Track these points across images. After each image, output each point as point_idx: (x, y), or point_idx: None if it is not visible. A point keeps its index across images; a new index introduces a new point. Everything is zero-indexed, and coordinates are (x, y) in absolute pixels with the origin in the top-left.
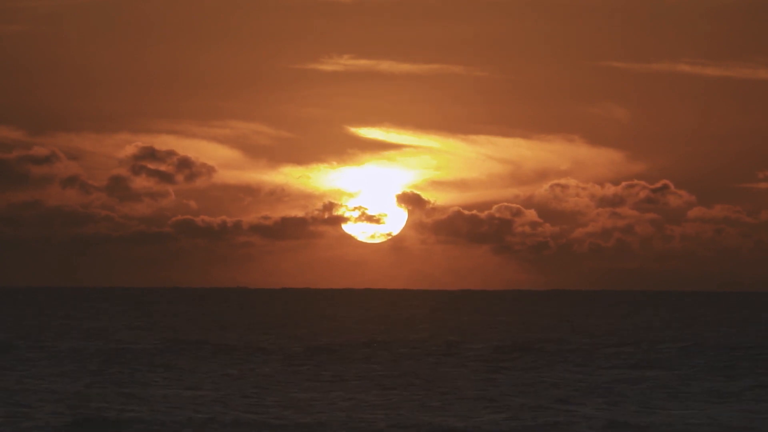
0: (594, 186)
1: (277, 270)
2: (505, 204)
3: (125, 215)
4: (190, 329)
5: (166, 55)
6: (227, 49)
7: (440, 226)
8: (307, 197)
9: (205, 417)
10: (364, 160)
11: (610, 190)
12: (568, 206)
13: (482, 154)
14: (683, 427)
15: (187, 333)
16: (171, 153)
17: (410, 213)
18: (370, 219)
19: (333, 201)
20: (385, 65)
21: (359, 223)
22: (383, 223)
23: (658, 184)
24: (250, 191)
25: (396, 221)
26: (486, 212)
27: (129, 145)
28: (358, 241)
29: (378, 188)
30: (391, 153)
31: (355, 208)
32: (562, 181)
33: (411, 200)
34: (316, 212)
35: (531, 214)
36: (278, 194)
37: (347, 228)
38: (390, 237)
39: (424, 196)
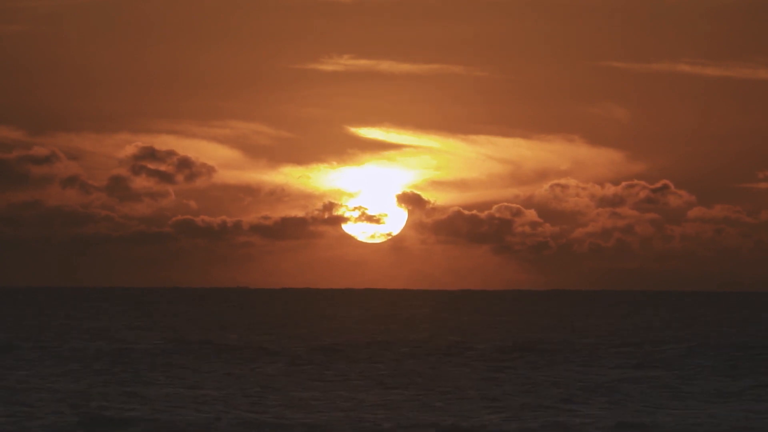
0: (594, 186)
1: (277, 270)
2: (505, 204)
3: (125, 215)
4: (190, 329)
5: (166, 55)
6: (227, 49)
7: (440, 226)
8: (307, 197)
9: (207, 416)
10: (364, 160)
11: (610, 190)
12: (568, 206)
13: (482, 154)
14: (684, 427)
15: (188, 333)
16: (171, 153)
17: (410, 213)
18: (370, 219)
19: (333, 201)
20: (385, 65)
21: (359, 223)
22: (383, 223)
23: (658, 184)
24: (250, 191)
25: (396, 221)
26: (486, 212)
27: (129, 145)
28: (358, 241)
29: (378, 188)
30: (391, 153)
31: (355, 208)
32: (562, 181)
33: (411, 200)
34: (316, 212)
35: (531, 214)
36: (278, 194)
37: (347, 228)
38: (390, 237)
39: (424, 196)
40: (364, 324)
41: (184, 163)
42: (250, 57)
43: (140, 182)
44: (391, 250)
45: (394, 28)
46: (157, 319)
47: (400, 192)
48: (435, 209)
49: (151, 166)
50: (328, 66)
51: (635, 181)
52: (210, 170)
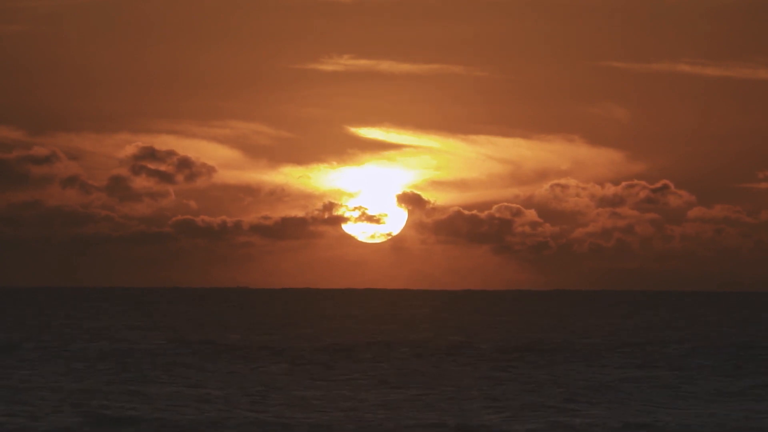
0: (594, 186)
1: (277, 270)
2: (505, 204)
3: (125, 215)
4: (191, 329)
5: (166, 55)
6: (227, 49)
7: (440, 226)
8: (307, 197)
9: (210, 415)
10: (364, 160)
11: (610, 190)
12: (568, 206)
13: (482, 154)
14: (686, 426)
15: (189, 333)
16: (171, 153)
17: (410, 213)
18: (370, 219)
19: (333, 201)
20: (385, 65)
21: (359, 223)
22: (383, 223)
23: (658, 184)
24: (250, 191)
25: (396, 221)
26: (486, 212)
27: (129, 145)
28: (358, 241)
29: (378, 188)
30: (391, 153)
31: (355, 208)
32: (562, 181)
33: (411, 200)
34: (316, 212)
35: (531, 214)
36: (278, 194)
37: (347, 228)
38: (390, 237)
39: (424, 196)
40: (364, 324)
41: (184, 163)
42: (250, 57)
43: (140, 182)
44: (391, 250)
45: (394, 28)
46: (157, 319)
47: (400, 192)
48: (435, 209)
49: (151, 166)
50: (328, 66)
51: (635, 181)
52: (210, 170)
